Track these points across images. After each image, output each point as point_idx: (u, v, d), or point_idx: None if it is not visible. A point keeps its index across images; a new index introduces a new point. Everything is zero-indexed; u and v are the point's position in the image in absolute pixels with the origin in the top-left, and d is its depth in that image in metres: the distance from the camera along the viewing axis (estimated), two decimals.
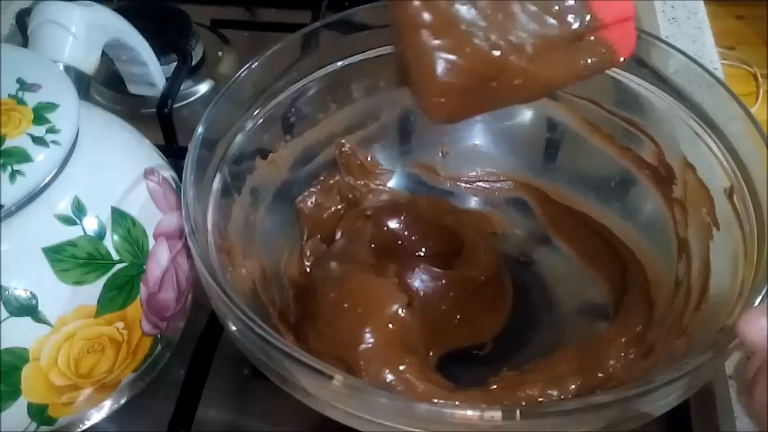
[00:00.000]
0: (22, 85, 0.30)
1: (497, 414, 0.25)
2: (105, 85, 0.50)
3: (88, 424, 0.35)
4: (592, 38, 0.28)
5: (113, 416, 0.35)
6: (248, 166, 0.36)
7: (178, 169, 0.33)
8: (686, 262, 0.34)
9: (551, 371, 0.33)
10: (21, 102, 0.29)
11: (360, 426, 0.27)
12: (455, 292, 0.36)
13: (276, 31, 0.54)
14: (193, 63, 0.52)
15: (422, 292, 0.36)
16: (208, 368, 0.36)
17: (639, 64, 0.36)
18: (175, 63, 0.50)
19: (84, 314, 0.29)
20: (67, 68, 0.34)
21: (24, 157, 0.27)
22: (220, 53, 0.55)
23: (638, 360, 0.33)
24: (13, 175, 0.27)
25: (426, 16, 0.27)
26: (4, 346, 0.28)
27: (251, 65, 0.35)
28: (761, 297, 0.27)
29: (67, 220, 0.29)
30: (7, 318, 0.28)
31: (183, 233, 0.32)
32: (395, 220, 0.40)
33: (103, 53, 0.38)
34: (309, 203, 0.40)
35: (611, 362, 0.33)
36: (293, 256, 0.39)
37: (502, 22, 0.27)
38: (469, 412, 0.25)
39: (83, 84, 0.35)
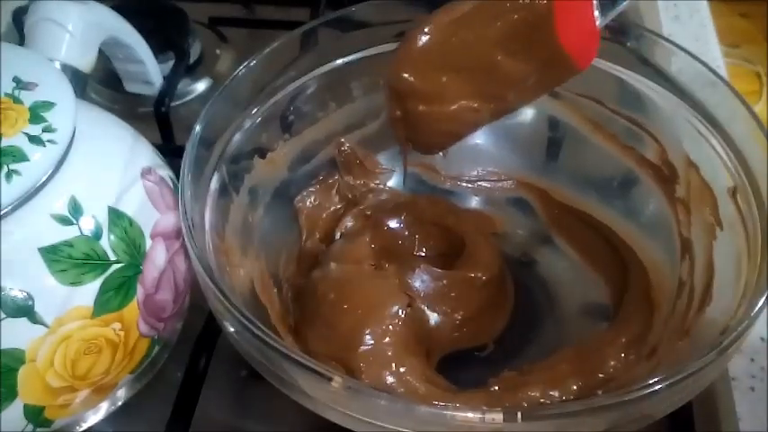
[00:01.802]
0: (19, 83, 0.29)
1: (498, 416, 0.24)
2: (102, 83, 0.50)
3: (85, 426, 0.34)
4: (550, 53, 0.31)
5: (110, 418, 0.35)
6: (246, 166, 0.36)
7: (176, 168, 0.32)
8: (689, 262, 0.34)
9: (552, 371, 0.33)
10: (17, 100, 0.29)
11: (359, 428, 0.27)
12: (456, 293, 0.36)
13: (275, 29, 0.54)
14: (191, 61, 0.52)
15: (422, 293, 0.36)
16: (205, 370, 0.36)
17: (642, 62, 0.36)
18: (173, 61, 0.49)
19: (80, 315, 0.29)
20: (64, 67, 0.34)
21: (20, 157, 0.27)
22: (218, 51, 0.54)
23: (641, 361, 0.33)
24: (9, 174, 0.27)
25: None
26: (0, 347, 0.28)
27: (249, 63, 0.35)
28: (764, 298, 0.27)
29: (64, 220, 0.29)
30: (4, 319, 0.27)
31: (180, 233, 0.32)
32: (395, 220, 0.40)
33: (100, 51, 0.38)
34: (308, 203, 0.39)
35: (612, 362, 0.33)
36: (292, 257, 0.38)
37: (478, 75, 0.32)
38: (470, 414, 0.25)
39: (79, 82, 0.35)
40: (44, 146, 0.28)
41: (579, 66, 0.32)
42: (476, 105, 0.33)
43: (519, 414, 0.24)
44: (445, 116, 0.33)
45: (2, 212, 0.27)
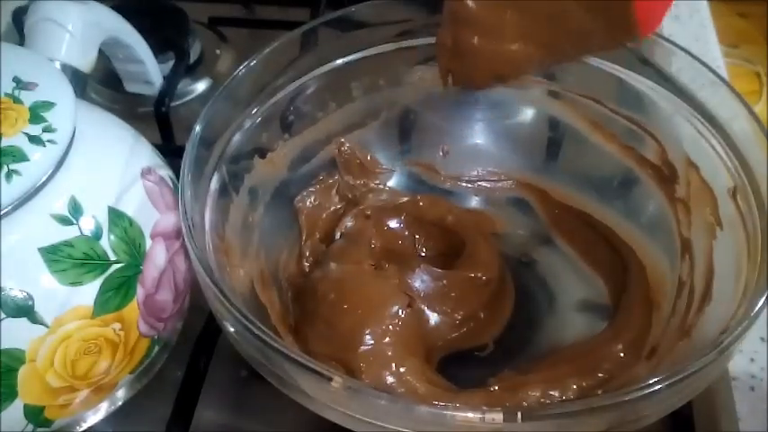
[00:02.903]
0: (19, 83, 0.29)
1: (498, 416, 0.24)
2: (102, 83, 0.50)
3: (85, 426, 0.34)
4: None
5: (110, 418, 0.35)
6: (246, 166, 0.36)
7: (176, 168, 0.32)
8: (689, 262, 0.34)
9: (552, 371, 0.33)
10: (17, 100, 0.29)
11: (359, 428, 0.27)
12: (456, 293, 0.36)
13: (275, 29, 0.54)
14: (191, 61, 0.52)
15: (422, 293, 0.36)
16: (206, 370, 0.36)
17: (642, 62, 0.36)
18: (173, 61, 0.49)
19: (80, 315, 0.29)
20: (64, 67, 0.34)
21: (20, 157, 0.27)
22: (218, 51, 0.54)
23: (641, 361, 0.33)
24: (9, 174, 0.27)
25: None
26: (0, 347, 0.28)
27: (249, 63, 0.35)
28: (764, 299, 0.27)
29: (64, 220, 0.29)
30: (4, 319, 0.27)
31: (180, 233, 0.32)
32: (395, 220, 0.40)
33: (100, 51, 0.38)
34: (308, 203, 0.39)
35: (612, 362, 0.33)
36: (292, 257, 0.38)
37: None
38: (470, 414, 0.25)
39: (79, 82, 0.35)
40: (44, 146, 0.28)
41: (641, 33, 0.31)
42: (530, 50, 0.32)
43: (519, 414, 0.24)
44: (497, 54, 0.33)
45: (2, 212, 0.27)
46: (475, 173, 0.42)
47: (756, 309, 0.27)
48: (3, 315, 0.27)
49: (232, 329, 0.28)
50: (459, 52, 0.33)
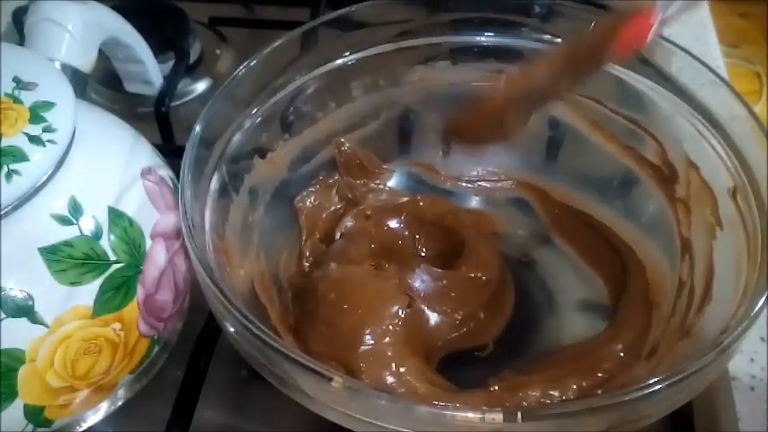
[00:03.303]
0: (19, 83, 0.29)
1: (498, 416, 0.24)
2: (102, 83, 0.50)
3: (85, 426, 0.34)
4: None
5: (110, 418, 0.35)
6: (246, 166, 0.36)
7: (176, 168, 0.32)
8: (689, 262, 0.34)
9: (552, 371, 0.33)
10: (17, 100, 0.29)
11: (359, 428, 0.27)
12: (456, 293, 0.36)
13: (275, 29, 0.54)
14: (191, 61, 0.52)
15: (422, 293, 0.36)
16: (205, 370, 0.36)
17: (642, 62, 0.36)
18: (173, 61, 0.49)
19: (80, 315, 0.29)
20: (64, 67, 0.34)
21: (20, 157, 0.27)
22: (218, 51, 0.55)
23: (641, 361, 0.33)
24: (9, 174, 0.27)
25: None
26: (0, 347, 0.28)
27: (249, 63, 0.35)
28: (764, 298, 0.27)
29: (64, 220, 0.29)
30: (4, 319, 0.27)
31: (180, 233, 0.32)
32: (395, 220, 0.40)
33: (100, 51, 0.38)
34: (308, 203, 0.39)
35: (612, 362, 0.33)
36: (292, 257, 0.38)
37: None
38: (470, 414, 0.25)
39: (79, 82, 0.35)
40: (44, 146, 0.28)
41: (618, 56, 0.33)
42: (529, 114, 0.35)
43: (519, 414, 0.24)
44: (500, 132, 0.36)
45: (2, 212, 0.27)
46: (475, 173, 0.42)
47: (756, 309, 0.27)
48: (3, 315, 0.27)
49: (232, 329, 0.28)
50: (466, 141, 0.38)
